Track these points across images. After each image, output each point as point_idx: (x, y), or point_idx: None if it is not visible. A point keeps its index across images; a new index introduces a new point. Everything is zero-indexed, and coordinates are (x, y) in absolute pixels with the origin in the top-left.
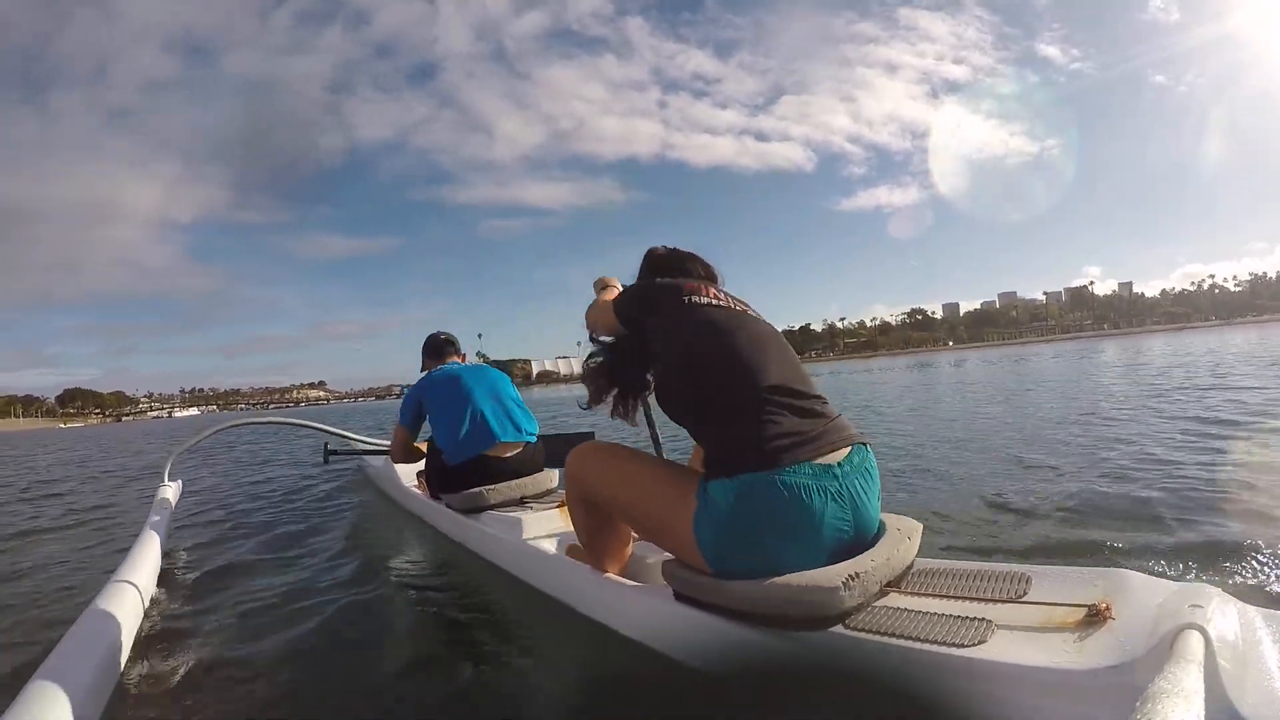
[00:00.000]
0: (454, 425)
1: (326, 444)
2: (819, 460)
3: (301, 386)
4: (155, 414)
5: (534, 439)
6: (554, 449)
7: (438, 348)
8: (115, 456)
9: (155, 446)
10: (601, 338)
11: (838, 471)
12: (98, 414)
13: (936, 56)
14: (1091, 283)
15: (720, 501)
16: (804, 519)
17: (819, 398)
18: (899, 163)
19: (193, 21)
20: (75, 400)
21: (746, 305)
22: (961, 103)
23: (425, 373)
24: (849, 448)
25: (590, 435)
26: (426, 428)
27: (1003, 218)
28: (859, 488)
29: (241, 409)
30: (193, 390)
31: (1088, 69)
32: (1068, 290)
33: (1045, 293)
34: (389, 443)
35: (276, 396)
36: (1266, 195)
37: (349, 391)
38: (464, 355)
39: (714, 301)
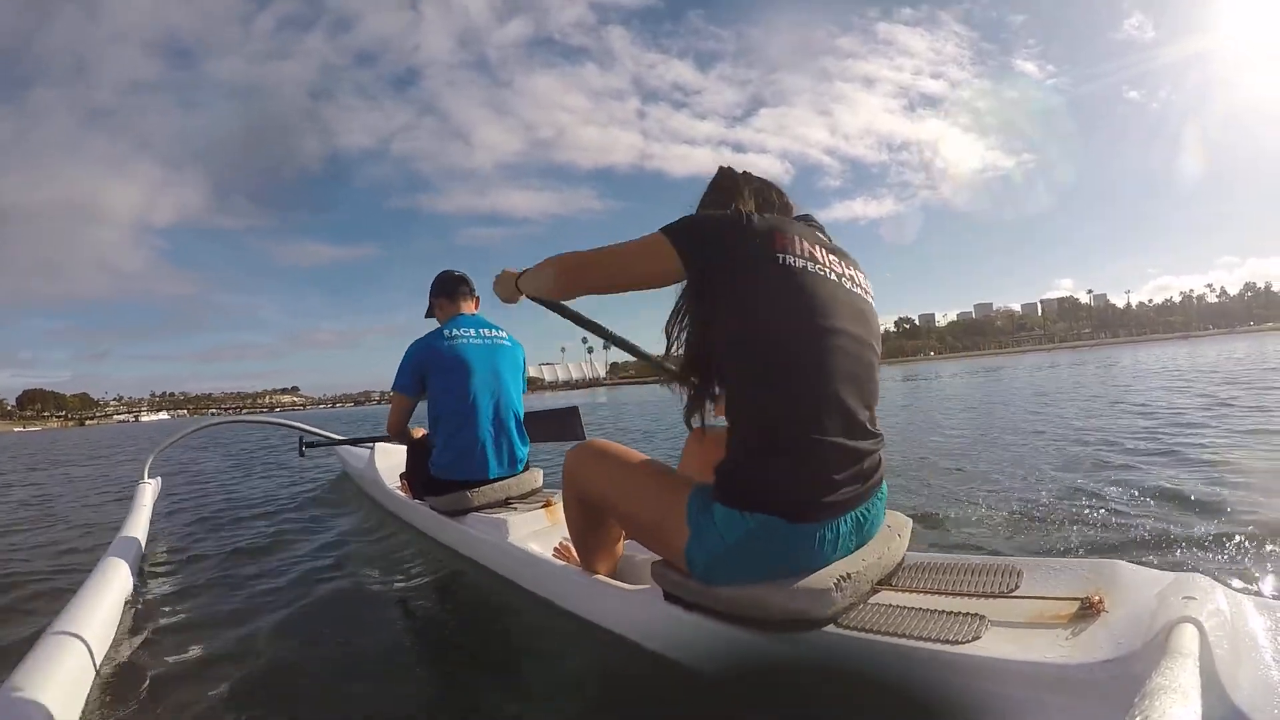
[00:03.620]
0: (450, 446)
1: (302, 437)
2: (847, 512)
3: (274, 392)
4: (121, 418)
5: (522, 468)
6: (538, 426)
7: (450, 286)
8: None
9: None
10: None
11: (862, 518)
12: (59, 418)
13: (914, 71)
14: (1089, 292)
15: (726, 532)
16: (813, 561)
17: (877, 437)
18: (875, 175)
19: (175, 24)
20: (35, 403)
21: (851, 262)
22: (938, 117)
23: (432, 315)
24: (876, 488)
25: (574, 410)
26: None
27: (978, 230)
28: (869, 518)
29: (213, 413)
30: (163, 394)
31: (1063, 84)
32: (1049, 300)
33: (1022, 304)
34: (366, 443)
35: (249, 402)
36: (1236, 210)
37: (324, 397)
38: (478, 299)
39: (812, 264)
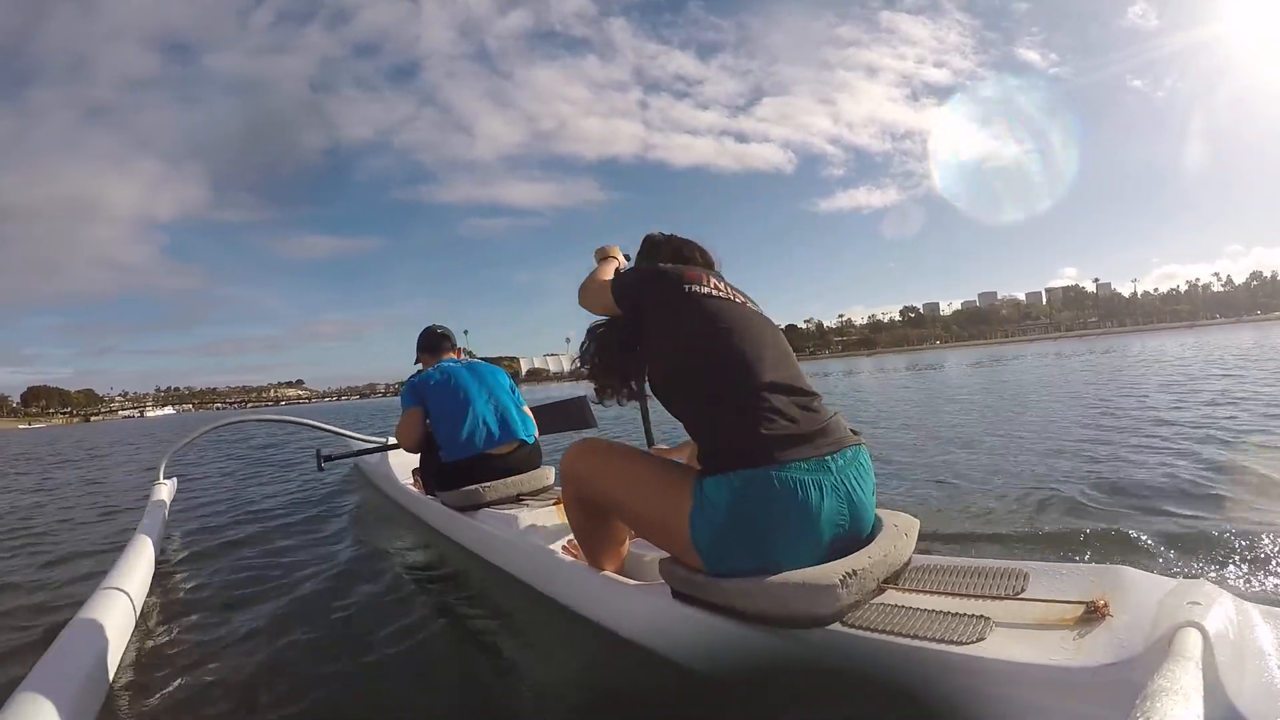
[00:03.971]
0: (452, 426)
1: (319, 450)
2: (815, 456)
3: (279, 385)
4: (126, 414)
5: (531, 439)
6: (547, 419)
7: (434, 342)
8: None
9: None
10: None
11: (833, 466)
12: (64, 414)
13: (917, 60)
14: (1096, 280)
15: (717, 499)
16: (801, 515)
17: (815, 396)
18: (878, 164)
19: (172, 19)
20: (39, 399)
21: (746, 296)
22: (942, 105)
23: (420, 369)
24: (844, 447)
25: (583, 399)
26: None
27: (982, 219)
28: (855, 483)
29: (218, 408)
30: (168, 389)
31: (1067, 73)
32: (1054, 289)
33: (1026, 293)
34: (385, 440)
35: (254, 396)
36: (1242, 199)
37: (328, 390)
38: (460, 350)
39: (714, 292)
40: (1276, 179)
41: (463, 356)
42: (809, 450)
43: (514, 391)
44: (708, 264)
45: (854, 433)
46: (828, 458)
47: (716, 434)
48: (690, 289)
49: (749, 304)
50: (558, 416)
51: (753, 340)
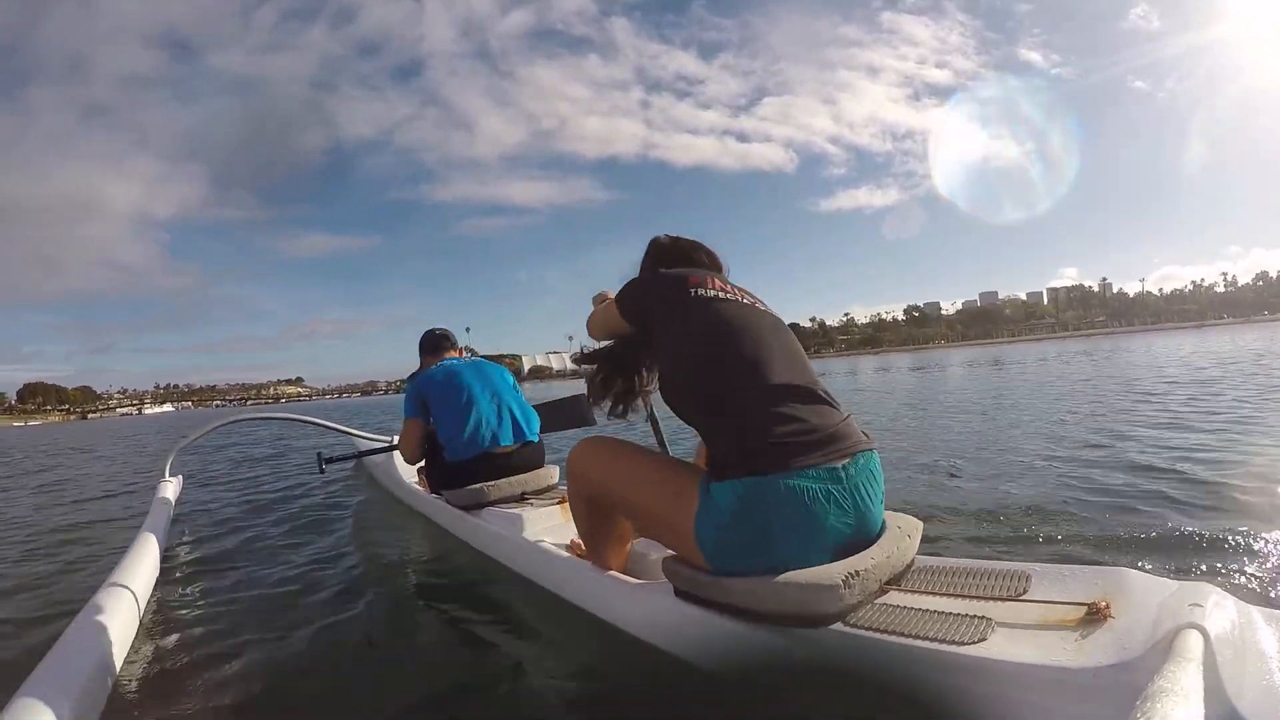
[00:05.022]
0: (456, 425)
1: (320, 453)
2: (826, 464)
3: (279, 383)
4: (124, 411)
5: (535, 438)
6: (546, 417)
7: (435, 343)
8: None
9: None
10: (604, 341)
11: (843, 474)
12: (61, 411)
13: (919, 60)
14: (1105, 280)
15: (723, 503)
16: (808, 522)
17: (828, 398)
18: (880, 164)
19: (174, 17)
20: (36, 396)
21: (755, 297)
22: (943, 106)
23: (422, 369)
24: (856, 452)
25: (582, 396)
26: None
27: (982, 219)
28: (864, 490)
29: (217, 405)
30: (167, 386)
31: (1069, 74)
32: (1055, 289)
33: (1028, 293)
34: (389, 439)
35: (253, 393)
36: (1242, 200)
37: (328, 388)
38: (461, 350)
39: (721, 294)
40: (1276, 180)
41: (465, 355)
42: (818, 458)
43: (517, 390)
44: (715, 266)
45: (865, 435)
46: (838, 465)
47: (725, 438)
48: (695, 293)
49: (758, 304)
50: (556, 415)
51: (762, 342)
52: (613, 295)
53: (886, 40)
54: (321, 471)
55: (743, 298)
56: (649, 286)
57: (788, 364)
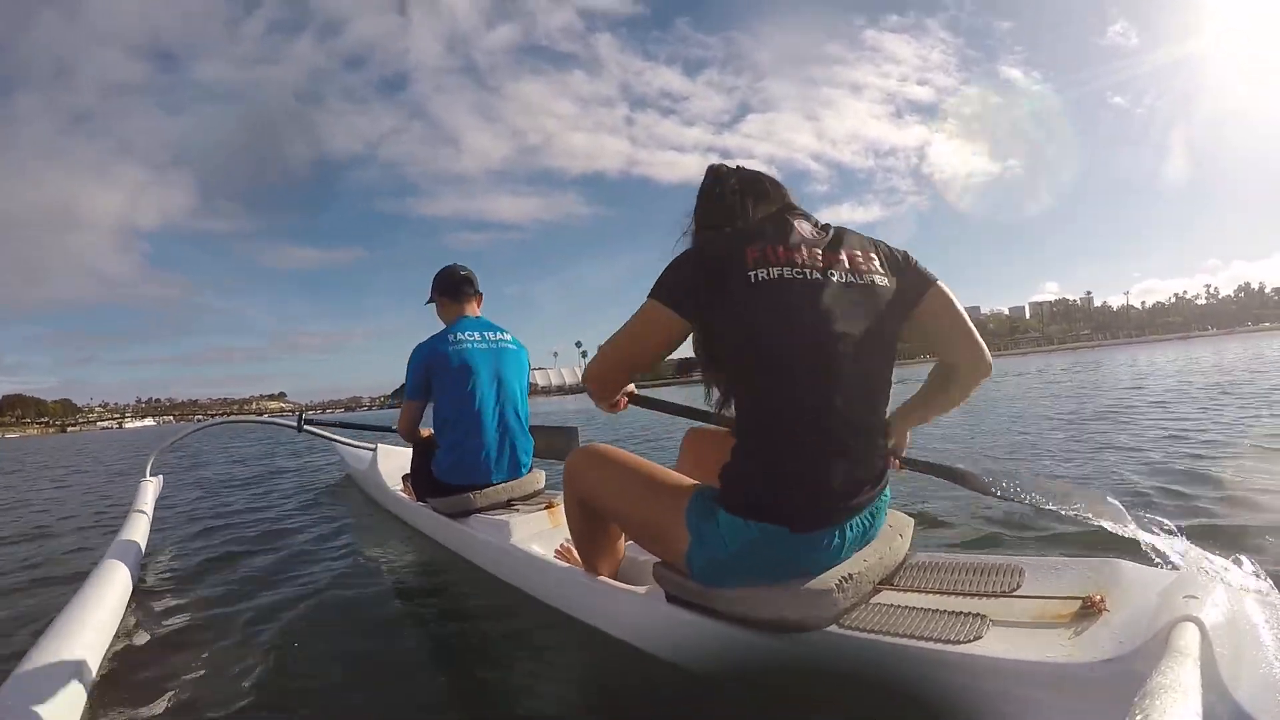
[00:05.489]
0: (454, 451)
1: (301, 413)
2: (846, 518)
3: (261, 398)
4: (105, 425)
5: (527, 470)
6: (538, 439)
7: (456, 285)
8: None
9: None
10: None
11: (859, 522)
12: (40, 424)
13: (901, 78)
14: (1089, 293)
15: (729, 538)
16: (813, 564)
17: (883, 431)
18: (861, 181)
19: (160, 27)
20: (14, 408)
21: (849, 246)
22: (924, 123)
23: (433, 302)
24: (877, 497)
25: (574, 430)
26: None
27: (964, 235)
28: (871, 522)
29: (198, 419)
30: (149, 400)
31: (1049, 90)
32: (1037, 304)
33: (1010, 307)
34: (373, 446)
35: (235, 408)
36: (1221, 214)
37: (312, 403)
38: (481, 296)
39: (792, 271)
40: (1252, 194)
41: (482, 308)
42: (842, 515)
43: (525, 396)
44: (780, 197)
45: (886, 467)
46: (858, 518)
47: (757, 471)
48: (756, 275)
49: (851, 265)
50: (547, 441)
51: (832, 357)
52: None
53: (869, 58)
54: (299, 430)
55: (819, 261)
56: (696, 273)
57: (855, 390)
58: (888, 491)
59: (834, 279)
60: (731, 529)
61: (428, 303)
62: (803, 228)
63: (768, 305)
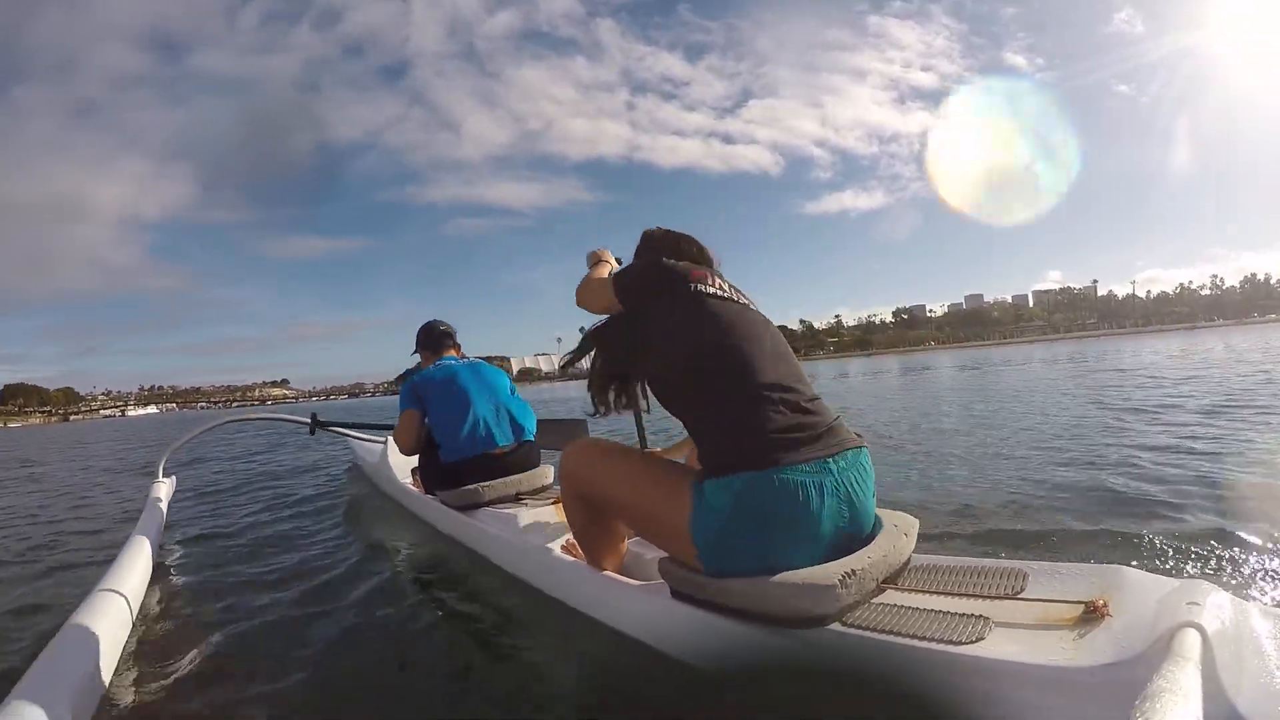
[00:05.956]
0: (453, 426)
1: (315, 414)
2: (817, 459)
3: (264, 385)
4: (107, 413)
5: (532, 437)
6: (544, 436)
7: (436, 340)
8: None
9: None
10: (593, 313)
11: (834, 468)
12: (43, 413)
13: (904, 64)
14: (1095, 281)
15: (717, 502)
16: (802, 516)
17: (816, 398)
18: (865, 167)
19: (160, 17)
20: (17, 397)
21: (746, 297)
22: (928, 109)
23: (418, 367)
24: (846, 448)
25: (583, 423)
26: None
27: (968, 223)
28: (855, 485)
29: (202, 407)
30: (152, 388)
31: (1054, 78)
32: (1040, 292)
33: (1013, 295)
34: (380, 435)
35: (239, 395)
36: (1224, 204)
37: (315, 390)
38: (460, 347)
39: (719, 292)
40: (1258, 184)
41: (462, 355)
42: (810, 452)
43: (514, 393)
44: (706, 261)
45: (856, 435)
46: (829, 460)
47: (717, 436)
48: (696, 287)
49: (750, 305)
50: (554, 432)
51: (754, 341)
52: (607, 256)
53: (873, 44)
54: (312, 433)
55: (738, 297)
56: (655, 272)
57: (779, 364)
58: (865, 455)
59: (747, 305)
60: (717, 491)
61: (413, 354)
62: (723, 277)
63: (707, 308)
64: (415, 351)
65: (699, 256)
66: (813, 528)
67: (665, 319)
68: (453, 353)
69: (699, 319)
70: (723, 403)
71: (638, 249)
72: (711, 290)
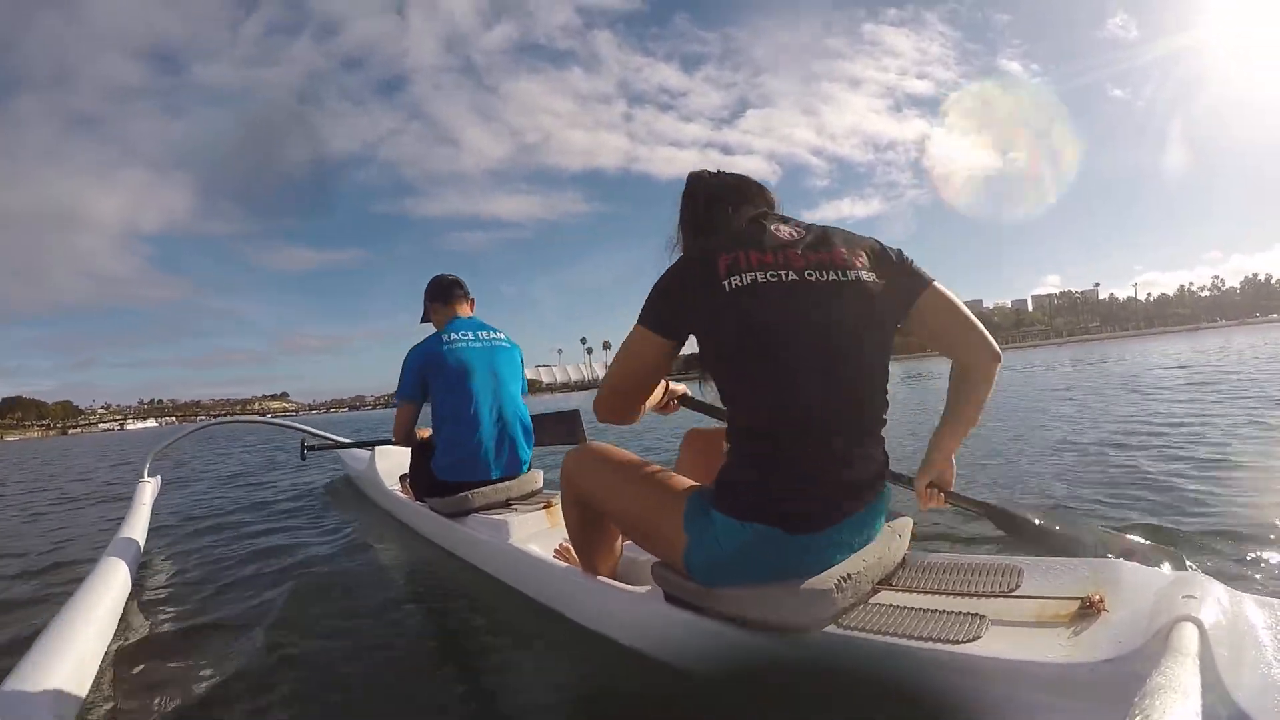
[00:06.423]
0: (453, 448)
1: (304, 440)
2: (843, 519)
3: (264, 398)
4: (106, 427)
5: (527, 468)
6: (541, 429)
7: (444, 290)
8: None
9: None
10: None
11: (855, 523)
12: (41, 427)
13: (900, 71)
14: (1097, 284)
15: (724, 539)
16: (809, 568)
17: (874, 435)
18: (862, 175)
19: (160, 30)
20: (15, 411)
21: (832, 252)
22: (924, 116)
23: (428, 315)
24: (873, 500)
25: (575, 413)
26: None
27: (964, 228)
28: (867, 531)
29: (201, 419)
30: (151, 401)
31: (1048, 84)
32: (1040, 296)
33: (1012, 300)
34: (368, 445)
35: (238, 408)
36: (1221, 205)
37: (313, 403)
38: (473, 301)
39: (765, 275)
40: (1252, 186)
41: (475, 310)
42: (836, 516)
43: (523, 390)
44: (767, 203)
45: (883, 475)
46: (852, 518)
47: (750, 471)
48: (729, 283)
49: (830, 261)
50: (550, 428)
51: (812, 353)
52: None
53: (868, 52)
54: (303, 458)
55: (807, 266)
56: (670, 290)
57: (841, 386)
58: (887, 491)
59: (811, 278)
60: (726, 530)
61: (423, 320)
62: (780, 231)
63: (742, 311)
64: (424, 317)
65: (757, 198)
66: (819, 569)
67: (702, 332)
68: (465, 307)
69: (732, 331)
70: (772, 429)
71: (682, 208)
72: (751, 278)
